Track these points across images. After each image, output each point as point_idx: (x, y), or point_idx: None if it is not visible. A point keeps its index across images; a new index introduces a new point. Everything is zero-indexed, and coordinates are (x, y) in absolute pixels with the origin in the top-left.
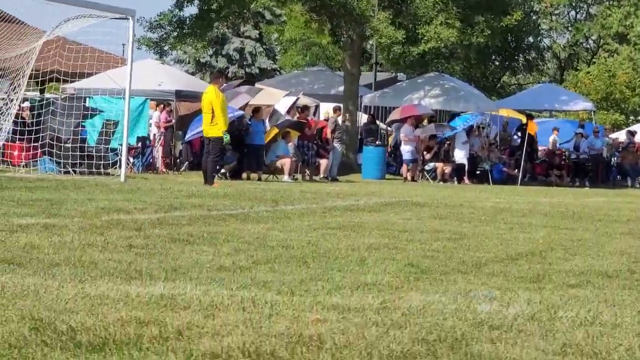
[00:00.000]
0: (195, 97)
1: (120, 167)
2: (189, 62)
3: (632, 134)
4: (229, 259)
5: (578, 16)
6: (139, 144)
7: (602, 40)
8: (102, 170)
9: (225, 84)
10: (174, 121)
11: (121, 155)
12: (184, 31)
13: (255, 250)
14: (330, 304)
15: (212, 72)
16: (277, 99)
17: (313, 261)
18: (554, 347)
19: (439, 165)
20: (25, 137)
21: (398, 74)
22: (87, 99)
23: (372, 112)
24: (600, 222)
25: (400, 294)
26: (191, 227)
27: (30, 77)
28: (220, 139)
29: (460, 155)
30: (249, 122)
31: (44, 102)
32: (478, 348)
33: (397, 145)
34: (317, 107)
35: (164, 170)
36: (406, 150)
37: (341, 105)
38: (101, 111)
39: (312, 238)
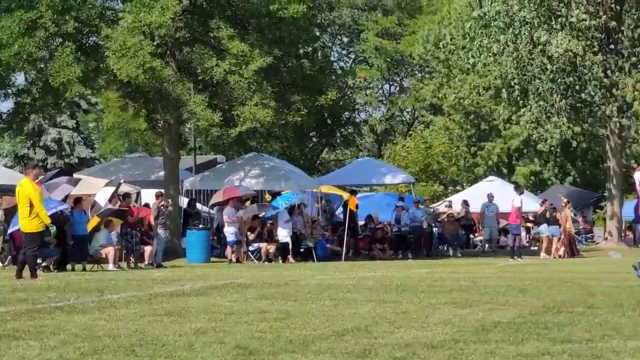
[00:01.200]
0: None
1: None
2: (6, 156)
3: (466, 203)
4: (55, 352)
5: (392, 89)
6: None
7: (416, 112)
8: None
9: (42, 175)
10: None
11: None
12: (1, 126)
13: (82, 341)
14: None
15: (26, 164)
16: (97, 187)
17: (141, 349)
18: None
19: (263, 245)
20: None
21: (217, 156)
22: None
23: (193, 196)
24: (424, 294)
25: None
26: (16, 322)
27: None
28: (39, 233)
29: (283, 234)
30: (70, 213)
31: None
32: None
33: (220, 228)
34: (138, 194)
35: None
36: (229, 232)
37: (163, 191)
38: None
39: (139, 326)
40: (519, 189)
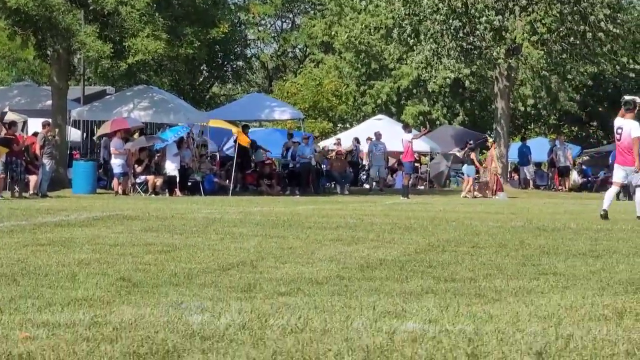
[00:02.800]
0: None
1: None
2: None
3: (357, 141)
4: None
5: (284, 26)
6: None
7: (308, 49)
8: None
9: None
10: None
11: None
12: None
13: None
14: (40, 321)
15: None
16: None
17: (23, 278)
18: (265, 355)
19: (150, 178)
20: None
21: (106, 88)
22: None
23: (81, 127)
24: (310, 230)
25: (111, 309)
26: None
27: None
28: None
29: (171, 168)
30: None
31: None
32: (189, 359)
33: (107, 159)
34: (25, 122)
35: None
36: (117, 163)
37: (50, 120)
38: None
39: (21, 255)
40: (407, 127)
